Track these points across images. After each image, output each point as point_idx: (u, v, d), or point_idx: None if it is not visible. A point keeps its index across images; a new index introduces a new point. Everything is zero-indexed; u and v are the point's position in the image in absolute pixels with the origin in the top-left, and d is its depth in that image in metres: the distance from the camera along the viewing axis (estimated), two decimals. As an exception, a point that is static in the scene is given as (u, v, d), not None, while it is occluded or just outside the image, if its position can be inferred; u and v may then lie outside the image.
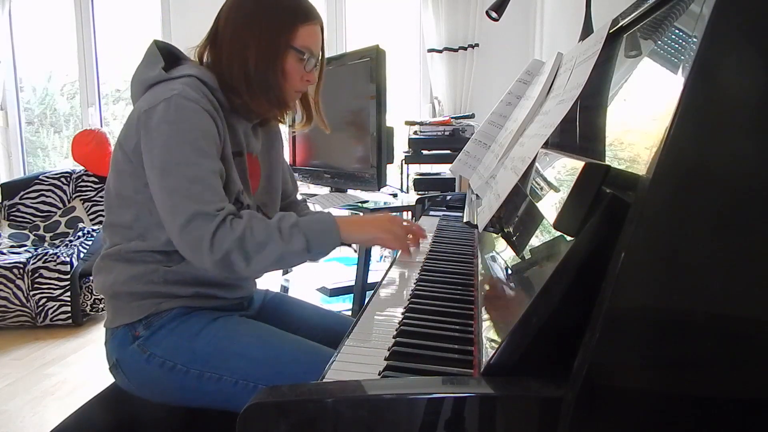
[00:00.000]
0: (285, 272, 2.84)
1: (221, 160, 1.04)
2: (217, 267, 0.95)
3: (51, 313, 2.80)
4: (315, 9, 1.12)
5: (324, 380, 0.63)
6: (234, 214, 0.97)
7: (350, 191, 2.32)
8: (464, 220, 1.29)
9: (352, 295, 2.23)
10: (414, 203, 1.96)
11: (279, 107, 1.14)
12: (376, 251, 2.89)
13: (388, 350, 0.69)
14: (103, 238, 1.11)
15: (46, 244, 3.19)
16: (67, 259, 2.82)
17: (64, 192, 3.37)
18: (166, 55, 1.09)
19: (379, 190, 2.06)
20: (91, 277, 2.87)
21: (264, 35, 1.06)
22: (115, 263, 1.06)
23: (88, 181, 3.39)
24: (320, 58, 1.16)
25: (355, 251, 2.41)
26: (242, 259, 0.94)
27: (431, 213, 1.74)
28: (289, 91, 1.12)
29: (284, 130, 1.32)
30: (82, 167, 3.41)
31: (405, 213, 2.24)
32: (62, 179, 3.38)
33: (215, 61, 1.10)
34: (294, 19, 1.08)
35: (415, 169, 2.83)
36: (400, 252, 1.16)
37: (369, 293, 1.10)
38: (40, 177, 3.37)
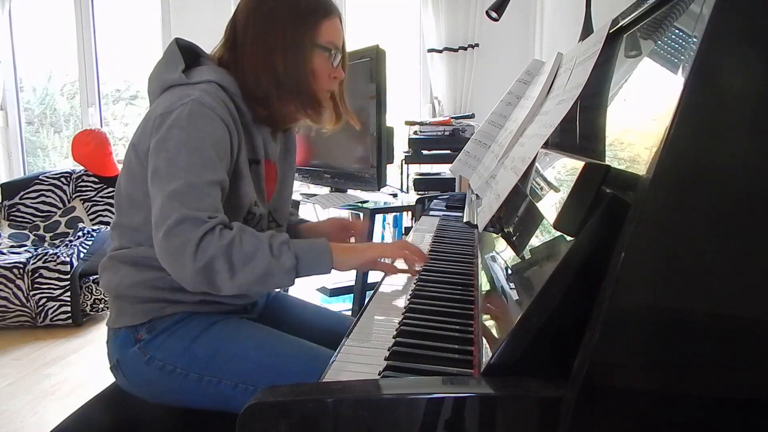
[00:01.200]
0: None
1: (235, 170, 1.02)
2: (198, 276, 0.89)
3: (51, 313, 2.79)
4: (332, 1, 1.09)
5: (324, 380, 0.63)
6: (225, 225, 0.94)
7: (350, 191, 2.32)
8: (464, 220, 1.29)
9: (352, 295, 2.23)
10: (414, 203, 1.96)
11: (313, 108, 1.10)
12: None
13: (388, 350, 0.69)
14: (111, 236, 1.10)
15: (46, 244, 3.19)
16: (67, 259, 2.82)
17: (64, 192, 3.37)
18: (188, 54, 1.06)
19: (379, 190, 2.06)
20: (91, 277, 2.88)
21: (288, 36, 1.03)
22: (121, 265, 1.05)
23: (88, 181, 3.39)
24: (343, 51, 1.13)
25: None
26: (227, 269, 0.89)
27: (431, 213, 1.74)
28: (320, 91, 1.10)
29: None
30: (82, 167, 3.41)
31: (405, 213, 2.24)
32: (62, 179, 3.38)
33: (237, 68, 1.06)
34: (316, 15, 1.05)
35: (415, 169, 2.83)
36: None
37: (369, 293, 1.10)
38: (40, 177, 3.37)
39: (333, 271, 0.99)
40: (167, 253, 0.91)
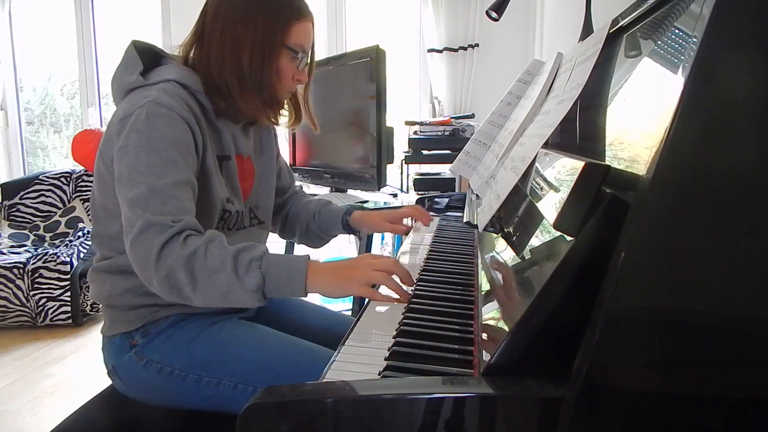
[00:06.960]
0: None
1: (202, 168, 1.00)
2: (164, 287, 0.86)
3: (51, 313, 2.80)
4: (307, 4, 1.09)
5: (324, 380, 0.63)
6: (195, 231, 0.89)
7: (350, 191, 2.32)
8: (464, 220, 1.29)
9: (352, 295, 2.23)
10: (414, 203, 1.96)
11: (272, 107, 1.11)
12: (376, 249, 2.89)
13: (388, 350, 0.69)
14: (93, 246, 1.08)
15: (46, 244, 3.19)
16: (67, 259, 2.82)
17: (64, 192, 3.37)
18: (147, 56, 1.03)
19: (379, 190, 2.06)
20: (91, 277, 2.88)
21: (258, 33, 1.02)
22: (108, 275, 1.04)
23: (88, 181, 3.39)
24: (311, 55, 1.13)
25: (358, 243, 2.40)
26: (188, 281, 0.84)
27: (431, 213, 1.74)
28: (281, 91, 1.09)
29: (281, 127, 1.28)
30: (82, 167, 3.41)
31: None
32: (62, 179, 3.38)
33: (202, 60, 1.05)
34: (288, 15, 1.04)
35: (415, 169, 2.83)
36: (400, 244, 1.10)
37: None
38: (40, 177, 3.37)
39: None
40: (134, 262, 0.89)
